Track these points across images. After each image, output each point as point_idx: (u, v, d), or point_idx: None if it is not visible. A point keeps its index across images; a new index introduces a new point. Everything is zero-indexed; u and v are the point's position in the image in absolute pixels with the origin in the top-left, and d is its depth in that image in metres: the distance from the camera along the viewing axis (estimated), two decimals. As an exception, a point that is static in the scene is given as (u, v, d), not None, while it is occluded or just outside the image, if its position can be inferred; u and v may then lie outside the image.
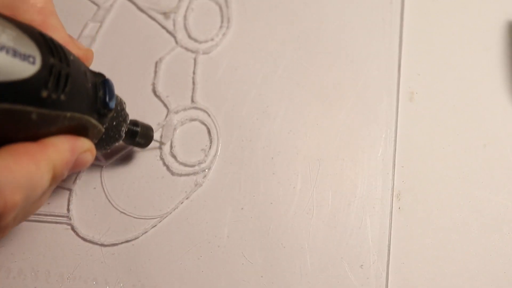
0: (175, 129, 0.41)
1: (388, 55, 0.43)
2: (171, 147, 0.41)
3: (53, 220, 0.39)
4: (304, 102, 0.42)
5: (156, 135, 0.41)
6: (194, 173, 0.40)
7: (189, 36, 0.44)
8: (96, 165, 0.40)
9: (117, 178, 0.40)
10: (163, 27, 0.44)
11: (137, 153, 0.41)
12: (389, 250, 0.39)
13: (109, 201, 0.40)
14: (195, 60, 0.43)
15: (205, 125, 0.42)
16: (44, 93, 0.26)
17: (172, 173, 0.40)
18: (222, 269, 0.39)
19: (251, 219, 0.39)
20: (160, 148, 0.41)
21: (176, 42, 0.44)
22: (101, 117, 0.31)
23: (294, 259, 0.39)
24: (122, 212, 0.40)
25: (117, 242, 0.39)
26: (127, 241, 0.39)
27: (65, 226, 0.39)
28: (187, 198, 0.40)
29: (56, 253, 0.39)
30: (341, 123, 0.42)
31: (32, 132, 0.27)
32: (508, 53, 0.43)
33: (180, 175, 0.40)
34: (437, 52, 0.44)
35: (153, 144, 0.39)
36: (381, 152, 0.41)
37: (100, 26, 0.44)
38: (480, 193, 0.40)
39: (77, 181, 0.40)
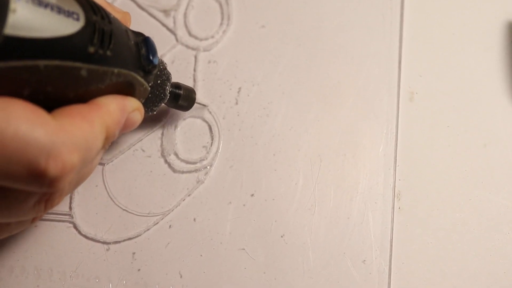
0: (176, 126, 0.41)
1: (388, 55, 0.43)
2: (173, 144, 0.41)
3: (55, 218, 0.39)
4: (305, 99, 0.42)
5: (158, 132, 0.41)
6: (196, 170, 0.41)
7: (190, 34, 0.44)
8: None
9: (119, 176, 0.40)
10: (164, 25, 0.44)
11: (139, 151, 0.41)
12: (391, 245, 0.39)
13: (111, 198, 0.40)
14: (195, 57, 0.43)
15: (207, 122, 0.42)
16: (91, 49, 0.26)
17: (174, 170, 0.40)
18: (224, 266, 0.39)
19: (253, 215, 0.40)
20: (204, 108, 0.41)
21: (177, 39, 0.44)
22: (146, 74, 0.32)
23: (297, 255, 0.39)
24: (124, 209, 0.40)
25: (119, 240, 0.39)
26: (129, 239, 0.39)
27: (67, 224, 0.39)
28: (189, 195, 0.40)
29: (58, 251, 0.39)
30: (342, 119, 0.42)
31: (82, 90, 0.28)
32: (508, 53, 0.43)
33: (182, 172, 0.40)
34: (437, 52, 0.44)
35: (196, 106, 0.40)
36: (383, 147, 0.41)
37: (101, 24, 0.44)
38: (480, 193, 0.40)
39: (79, 179, 0.40)
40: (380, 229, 0.39)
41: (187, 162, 0.41)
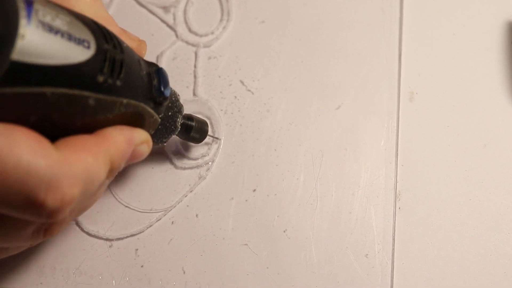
0: (177, 123, 0.41)
1: (388, 55, 0.43)
2: (175, 142, 0.41)
3: (58, 215, 0.39)
4: (305, 94, 0.42)
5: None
6: (198, 166, 0.41)
7: (190, 30, 0.44)
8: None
9: (120, 173, 0.40)
10: (163, 21, 0.44)
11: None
12: (393, 239, 0.39)
13: (113, 195, 0.40)
14: (196, 53, 0.43)
15: (208, 118, 0.42)
16: (100, 78, 0.26)
17: (176, 167, 0.40)
18: (227, 261, 0.39)
19: (255, 211, 0.40)
20: (216, 143, 0.41)
21: (177, 36, 0.44)
22: (156, 105, 0.32)
23: (299, 250, 0.39)
24: (126, 206, 0.40)
25: (122, 236, 0.39)
26: (132, 235, 0.39)
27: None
28: (191, 191, 0.40)
29: (61, 249, 0.39)
30: (343, 114, 0.42)
31: (89, 119, 0.27)
32: (508, 53, 0.43)
33: (184, 168, 0.40)
34: (437, 52, 0.44)
35: (207, 139, 0.40)
36: (384, 142, 0.41)
37: (100, 22, 0.44)
38: (480, 193, 0.40)
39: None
40: (382, 223, 0.39)
41: (189, 158, 0.41)
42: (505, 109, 0.42)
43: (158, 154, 0.41)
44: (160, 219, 0.40)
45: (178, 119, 0.35)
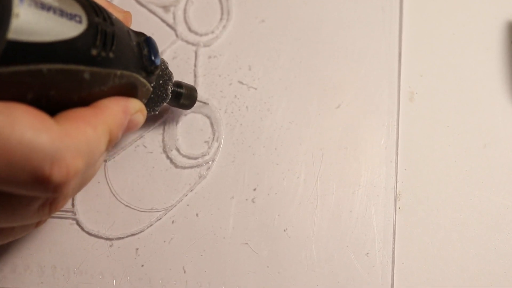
0: (177, 122, 0.41)
1: (388, 54, 0.43)
2: (175, 140, 0.41)
3: (58, 215, 0.39)
4: (306, 93, 0.42)
5: (159, 128, 0.41)
6: (198, 166, 0.41)
7: (190, 29, 0.44)
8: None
9: (121, 172, 0.40)
10: (163, 21, 0.44)
11: (140, 147, 0.41)
12: (394, 238, 0.39)
13: (114, 195, 0.40)
14: (196, 53, 0.43)
15: (208, 117, 0.42)
16: (94, 51, 0.26)
17: (176, 166, 0.40)
18: (227, 261, 0.39)
19: (255, 210, 0.40)
20: (205, 105, 0.41)
21: (177, 35, 0.44)
22: (148, 74, 0.32)
23: (300, 249, 0.39)
24: (126, 205, 0.40)
25: (122, 236, 0.39)
26: (132, 235, 0.39)
27: (70, 221, 0.39)
28: (191, 191, 0.40)
29: (62, 248, 0.39)
30: (343, 113, 0.42)
31: (85, 93, 0.27)
32: (508, 53, 0.43)
33: (184, 167, 0.40)
34: (437, 52, 0.44)
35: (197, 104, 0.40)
36: (384, 140, 0.41)
37: (100, 21, 0.44)
38: (480, 193, 0.40)
39: (81, 176, 0.40)
40: (383, 222, 0.39)
41: (189, 158, 0.41)
42: (505, 109, 0.42)
43: (159, 154, 0.41)
44: (161, 218, 0.39)
45: (169, 87, 0.36)
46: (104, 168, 0.40)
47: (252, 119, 0.42)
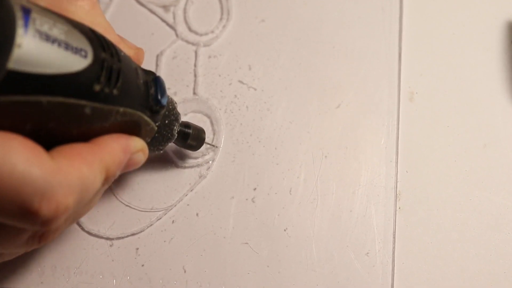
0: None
1: (388, 54, 0.43)
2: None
3: (58, 215, 0.39)
4: (306, 93, 0.42)
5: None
6: (198, 165, 0.41)
7: (190, 29, 0.44)
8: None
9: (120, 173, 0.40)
10: (163, 21, 0.44)
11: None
12: (394, 237, 0.39)
13: (114, 194, 0.40)
14: (196, 52, 0.43)
15: (208, 117, 0.42)
16: (97, 87, 0.26)
17: (176, 166, 0.40)
18: (228, 260, 0.39)
19: (255, 209, 0.40)
20: (213, 151, 0.41)
21: (177, 35, 0.44)
22: (153, 114, 0.31)
23: (300, 248, 0.39)
24: (127, 205, 0.40)
25: (122, 236, 0.39)
26: (132, 234, 0.39)
27: (70, 220, 0.39)
28: (191, 190, 0.40)
29: (62, 248, 0.39)
30: (343, 113, 0.42)
31: (85, 128, 0.27)
32: (508, 53, 0.43)
33: (184, 167, 0.40)
34: (437, 52, 0.44)
35: (204, 146, 0.40)
36: (384, 140, 0.41)
37: (100, 21, 0.44)
38: (480, 193, 0.40)
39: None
40: (383, 222, 0.39)
41: (189, 157, 0.41)
42: (505, 109, 0.42)
43: (159, 154, 0.41)
44: (161, 218, 0.39)
45: (175, 127, 0.35)
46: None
47: (252, 118, 0.42)
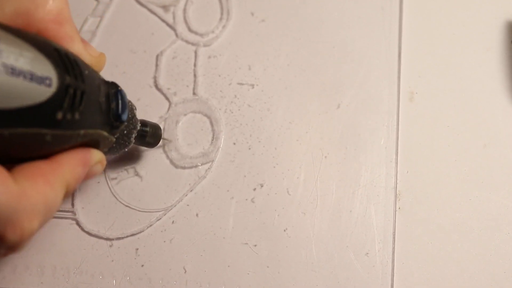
0: (177, 122, 0.41)
1: (388, 53, 0.43)
2: (175, 140, 0.41)
3: (58, 215, 0.39)
4: (306, 93, 0.42)
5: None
6: (198, 166, 0.40)
7: (189, 29, 0.44)
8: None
9: (121, 172, 0.40)
10: (163, 21, 0.44)
11: (141, 146, 0.41)
12: (394, 238, 0.39)
13: (114, 195, 0.40)
14: (195, 52, 0.43)
15: (208, 117, 0.42)
16: (59, 115, 0.26)
17: (176, 166, 0.40)
18: (228, 261, 0.39)
19: (255, 210, 0.40)
20: (165, 145, 0.41)
21: (177, 35, 0.44)
22: (113, 129, 0.31)
23: (300, 248, 0.39)
24: (126, 205, 0.40)
25: (122, 236, 0.39)
26: (132, 235, 0.39)
27: (70, 221, 0.39)
28: (191, 191, 0.40)
29: (61, 248, 0.39)
30: (343, 113, 0.42)
31: (45, 152, 0.27)
32: (508, 53, 0.43)
33: (184, 167, 0.40)
34: (437, 52, 0.43)
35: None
36: (384, 141, 0.41)
37: (100, 21, 0.44)
38: (480, 193, 0.40)
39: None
40: (383, 222, 0.39)
41: (189, 158, 0.41)
42: (505, 109, 0.42)
43: (159, 154, 0.41)
44: (161, 218, 0.39)
45: (133, 135, 0.35)
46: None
47: (252, 118, 0.42)
